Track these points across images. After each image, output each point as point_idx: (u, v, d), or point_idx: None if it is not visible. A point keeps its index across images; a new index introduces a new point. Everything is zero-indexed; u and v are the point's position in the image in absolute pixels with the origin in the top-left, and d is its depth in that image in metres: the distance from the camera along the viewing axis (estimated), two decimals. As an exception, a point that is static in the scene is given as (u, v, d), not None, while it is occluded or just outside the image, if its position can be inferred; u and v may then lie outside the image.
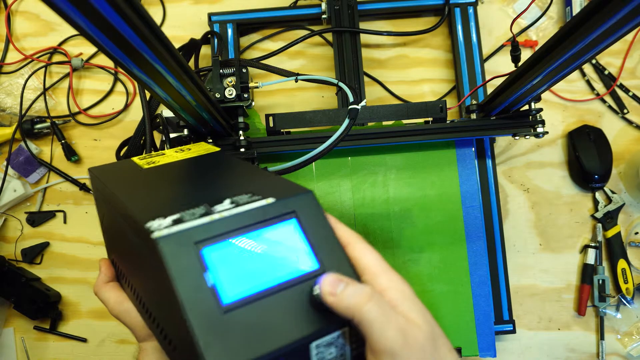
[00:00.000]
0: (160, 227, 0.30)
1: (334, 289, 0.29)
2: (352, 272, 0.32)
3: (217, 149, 0.49)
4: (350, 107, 0.48)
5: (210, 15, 0.76)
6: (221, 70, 0.59)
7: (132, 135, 0.65)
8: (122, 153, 0.66)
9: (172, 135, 0.59)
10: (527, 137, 0.63)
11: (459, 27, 0.75)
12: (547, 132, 0.61)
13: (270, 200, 0.33)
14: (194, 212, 0.32)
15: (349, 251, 0.33)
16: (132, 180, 0.42)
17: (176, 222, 0.30)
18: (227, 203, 0.33)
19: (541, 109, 0.60)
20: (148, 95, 0.63)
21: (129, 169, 0.45)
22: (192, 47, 0.72)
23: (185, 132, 0.58)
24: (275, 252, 0.31)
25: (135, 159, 0.47)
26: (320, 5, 0.75)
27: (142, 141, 0.64)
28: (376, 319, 0.28)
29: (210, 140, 0.59)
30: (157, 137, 0.75)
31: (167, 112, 0.74)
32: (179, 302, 0.28)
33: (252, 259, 0.31)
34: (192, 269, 0.29)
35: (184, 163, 0.46)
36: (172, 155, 0.48)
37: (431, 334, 0.30)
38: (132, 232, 0.34)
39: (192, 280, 0.28)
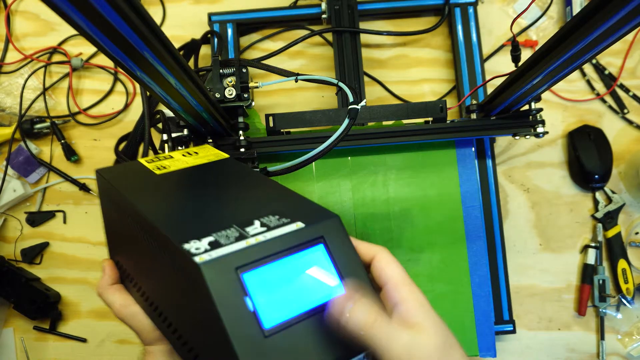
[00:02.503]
0: (199, 250, 0.31)
1: (341, 311, 0.31)
2: (372, 294, 0.34)
3: (226, 155, 0.48)
4: (350, 107, 0.48)
5: (210, 15, 0.76)
6: (221, 70, 0.59)
7: (131, 131, 0.65)
8: (120, 148, 0.66)
9: (172, 135, 0.59)
10: (527, 137, 0.62)
11: (459, 27, 0.75)
12: (547, 132, 0.61)
13: (301, 225, 0.34)
14: (227, 234, 0.33)
15: (375, 263, 0.35)
16: (147, 188, 0.42)
17: (213, 245, 0.31)
18: (257, 225, 0.34)
19: (541, 109, 0.60)
20: (148, 92, 0.63)
21: (140, 173, 0.44)
22: (193, 47, 0.72)
23: (185, 132, 0.58)
24: (306, 277, 0.33)
25: (142, 161, 0.47)
26: (320, 5, 0.75)
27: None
28: (380, 341, 0.30)
29: (210, 140, 0.59)
30: (156, 137, 0.75)
31: (167, 112, 0.74)
32: (223, 327, 0.28)
33: (286, 283, 0.32)
34: (234, 294, 0.30)
35: (196, 171, 0.46)
36: (181, 159, 0.48)
37: (442, 344, 0.31)
38: (160, 248, 0.35)
39: (234, 305, 0.29)
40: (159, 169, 0.45)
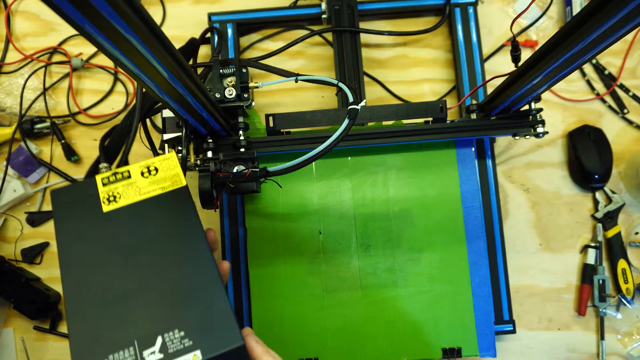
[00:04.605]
0: None
1: None
2: None
3: (183, 182, 0.47)
4: (349, 107, 0.48)
5: (210, 15, 0.76)
6: (221, 70, 0.59)
7: (117, 124, 0.65)
8: (106, 143, 0.66)
9: (171, 135, 0.59)
10: (527, 137, 0.63)
11: (459, 27, 0.75)
12: (547, 132, 0.61)
13: (198, 357, 0.35)
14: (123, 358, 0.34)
15: None
16: (83, 238, 0.42)
17: None
18: (157, 347, 0.35)
19: (541, 109, 0.60)
20: (148, 92, 0.63)
21: (87, 206, 0.44)
22: (192, 46, 0.72)
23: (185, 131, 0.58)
24: None
25: (99, 182, 0.46)
26: (320, 5, 0.75)
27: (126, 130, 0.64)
28: None
29: (210, 140, 0.58)
30: (156, 137, 0.75)
31: (167, 112, 0.74)
32: None
33: None
34: None
35: (137, 216, 0.44)
36: (136, 183, 0.46)
37: None
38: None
39: None
40: (108, 200, 0.44)
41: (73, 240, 0.41)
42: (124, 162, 0.62)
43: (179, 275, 0.40)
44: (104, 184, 0.45)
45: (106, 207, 0.44)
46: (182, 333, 0.35)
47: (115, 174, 0.47)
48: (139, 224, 0.44)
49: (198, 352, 0.34)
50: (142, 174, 0.47)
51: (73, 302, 0.37)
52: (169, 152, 0.59)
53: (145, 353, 0.34)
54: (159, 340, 0.34)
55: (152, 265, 0.41)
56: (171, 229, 0.44)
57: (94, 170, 0.70)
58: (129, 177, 0.47)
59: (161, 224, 0.44)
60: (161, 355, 0.34)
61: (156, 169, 0.48)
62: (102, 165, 0.56)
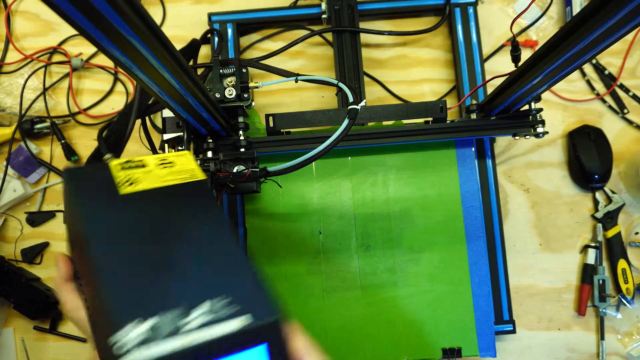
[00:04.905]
0: (126, 345, 0.29)
1: None
2: None
3: (203, 175, 0.46)
4: (350, 107, 0.48)
5: (210, 15, 0.76)
6: (221, 70, 0.59)
7: (116, 118, 0.64)
8: (104, 134, 0.66)
9: (171, 135, 0.59)
10: (527, 137, 0.63)
11: (459, 27, 0.75)
12: (547, 132, 0.61)
13: (248, 320, 0.33)
14: (170, 319, 0.31)
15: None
16: (105, 214, 0.40)
17: (143, 341, 0.30)
18: (205, 310, 0.33)
19: (541, 109, 0.60)
20: (149, 91, 0.62)
21: (104, 187, 0.42)
22: (193, 47, 0.72)
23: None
24: None
25: (114, 166, 0.44)
26: (320, 5, 0.75)
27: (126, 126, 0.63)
28: None
29: (210, 140, 0.58)
30: (156, 138, 0.75)
31: (167, 112, 0.74)
32: None
33: None
34: None
35: (162, 199, 0.43)
36: (154, 171, 0.45)
37: None
38: (94, 305, 0.34)
39: None
40: (127, 182, 0.43)
41: (94, 214, 0.39)
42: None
43: (211, 253, 0.40)
44: (120, 169, 0.44)
45: (125, 189, 0.42)
46: (230, 299, 0.34)
47: (128, 161, 0.46)
48: (163, 205, 0.43)
49: (248, 316, 0.33)
50: (159, 165, 0.46)
51: (106, 270, 0.35)
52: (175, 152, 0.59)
53: (195, 313, 0.32)
54: (207, 303, 0.33)
55: (184, 240, 0.40)
56: (198, 211, 0.43)
57: (95, 160, 0.69)
58: (144, 166, 0.46)
59: (187, 206, 0.43)
60: (211, 316, 0.32)
61: (171, 163, 0.47)
62: (107, 156, 0.55)
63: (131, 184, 0.43)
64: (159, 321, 0.31)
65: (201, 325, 0.32)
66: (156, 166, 0.45)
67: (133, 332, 0.30)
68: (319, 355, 0.37)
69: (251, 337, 0.33)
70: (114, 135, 0.62)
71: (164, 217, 0.41)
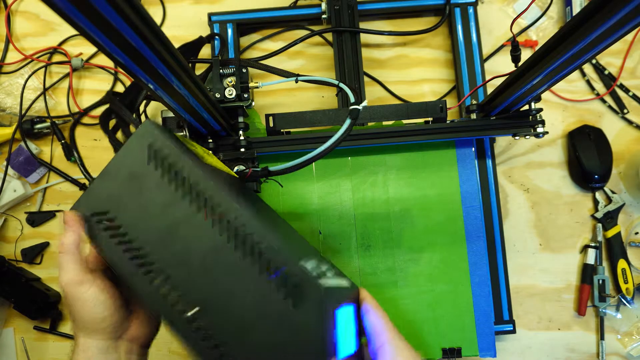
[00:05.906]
0: (318, 274, 0.34)
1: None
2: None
3: (233, 174, 0.49)
4: (351, 107, 0.48)
5: (210, 15, 0.76)
6: (221, 70, 0.59)
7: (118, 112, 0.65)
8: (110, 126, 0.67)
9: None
10: (527, 137, 0.63)
11: (459, 27, 0.75)
12: (547, 132, 0.61)
13: (349, 282, 0.40)
14: (318, 264, 0.36)
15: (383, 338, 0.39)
16: (208, 171, 0.39)
17: (320, 274, 0.34)
18: (330, 266, 0.38)
19: (541, 109, 0.60)
20: (148, 91, 0.63)
21: (192, 151, 0.41)
22: (197, 45, 0.72)
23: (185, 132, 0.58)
24: (347, 324, 0.37)
25: (183, 137, 0.44)
26: (320, 5, 0.75)
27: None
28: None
29: (210, 140, 0.59)
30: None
31: (167, 112, 0.74)
32: (318, 348, 0.32)
33: (346, 325, 0.36)
34: (330, 325, 0.33)
35: (235, 180, 0.46)
36: (207, 156, 0.46)
37: None
38: (237, 243, 0.35)
39: (326, 332, 0.33)
40: (207, 155, 0.45)
41: (206, 170, 0.39)
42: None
43: (289, 228, 0.45)
44: (188, 143, 0.45)
45: (207, 160, 0.45)
46: (329, 265, 0.39)
47: (186, 139, 0.48)
48: (239, 183, 0.46)
49: (347, 280, 0.39)
50: (206, 152, 0.48)
51: (256, 218, 0.37)
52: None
53: (324, 266, 0.37)
54: (326, 265, 0.38)
55: (272, 212, 0.44)
56: (256, 198, 0.47)
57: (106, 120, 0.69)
58: (196, 147, 0.47)
59: (249, 191, 0.47)
60: (334, 270, 0.37)
61: (210, 155, 0.49)
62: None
63: (204, 157, 0.45)
64: (320, 264, 0.36)
65: (334, 275, 0.37)
66: (205, 152, 0.48)
67: (310, 266, 0.34)
68: (383, 319, 0.39)
69: (351, 295, 0.38)
70: (128, 97, 0.62)
71: (249, 190, 0.45)
